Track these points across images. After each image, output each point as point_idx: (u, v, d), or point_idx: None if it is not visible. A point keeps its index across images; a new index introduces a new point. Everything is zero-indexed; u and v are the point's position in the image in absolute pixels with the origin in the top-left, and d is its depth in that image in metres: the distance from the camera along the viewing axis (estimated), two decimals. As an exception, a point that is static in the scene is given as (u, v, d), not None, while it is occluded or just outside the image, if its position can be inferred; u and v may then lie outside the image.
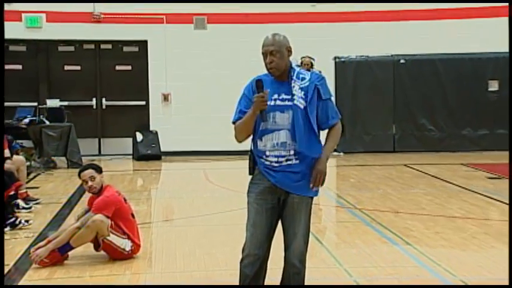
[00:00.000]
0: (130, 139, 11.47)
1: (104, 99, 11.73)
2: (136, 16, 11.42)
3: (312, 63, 11.10)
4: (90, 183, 4.67)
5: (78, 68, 11.69)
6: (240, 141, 3.26)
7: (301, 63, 10.79)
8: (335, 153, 11.62)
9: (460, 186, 7.71)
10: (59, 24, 11.20)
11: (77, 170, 4.88)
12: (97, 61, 11.76)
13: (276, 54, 3.15)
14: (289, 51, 3.20)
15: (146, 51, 11.66)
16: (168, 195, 7.78)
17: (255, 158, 3.22)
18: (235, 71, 11.59)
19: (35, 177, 8.97)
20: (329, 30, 11.70)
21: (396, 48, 11.67)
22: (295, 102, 3.14)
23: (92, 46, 11.66)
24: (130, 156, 11.41)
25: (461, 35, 11.58)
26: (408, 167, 9.80)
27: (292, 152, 3.14)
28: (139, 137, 11.42)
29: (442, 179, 8.36)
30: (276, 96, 3.16)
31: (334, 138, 3.23)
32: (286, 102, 3.14)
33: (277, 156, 3.14)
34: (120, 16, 11.41)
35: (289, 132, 3.13)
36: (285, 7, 11.57)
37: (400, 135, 11.77)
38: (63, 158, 10.12)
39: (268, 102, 3.14)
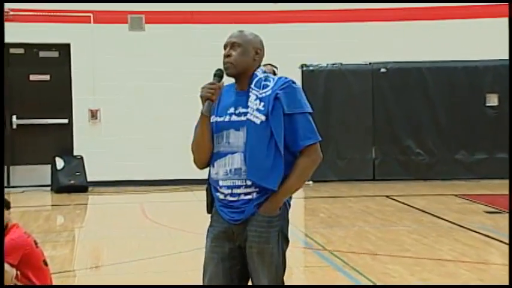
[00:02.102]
0: (48, 166, 11.36)
1: (14, 117, 11.60)
2: (56, 14, 11.41)
3: (274, 72, 11.27)
4: (-9, 220, 4.59)
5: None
6: (200, 166, 3.15)
7: (262, 72, 10.97)
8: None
9: (452, 223, 7.84)
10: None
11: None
12: (5, 69, 11.64)
13: (236, 48, 3.10)
14: (257, 53, 3.14)
15: (69, 57, 11.63)
16: (94, 236, 7.71)
17: (211, 193, 3.12)
18: (181, 81, 11.67)
19: None
20: (295, 32, 11.93)
21: (375, 54, 11.96)
22: (248, 116, 3.02)
23: (-1, 50, 11.58)
24: (48, 188, 11.30)
25: (453, 39, 11.93)
26: (390, 198, 9.97)
27: (249, 182, 3.01)
28: (59, 163, 11.31)
29: (431, 214, 8.51)
30: (232, 110, 3.08)
31: (301, 169, 3.03)
32: (242, 117, 3.04)
33: (231, 187, 3.02)
34: (36, 13, 11.37)
35: (243, 155, 3.01)
36: (240, 6, 11.76)
37: (380, 160, 12.00)
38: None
39: (223, 118, 3.07)
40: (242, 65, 3.09)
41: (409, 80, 11.97)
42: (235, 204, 3.03)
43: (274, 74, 11.02)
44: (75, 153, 11.59)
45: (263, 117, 3.00)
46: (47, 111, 11.65)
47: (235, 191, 3.02)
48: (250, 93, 3.06)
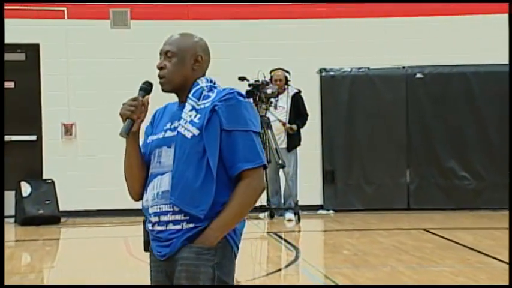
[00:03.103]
0: (12, 193, 11.35)
1: (-29, 133, 11.61)
2: (22, 8, 11.45)
3: (286, 78, 11.35)
4: None
5: None
6: (134, 197, 3.21)
7: (271, 78, 10.99)
8: (322, 211, 11.74)
9: (506, 263, 7.76)
10: None
11: None
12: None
13: (171, 58, 3.19)
14: (197, 60, 3.21)
15: (38, 61, 11.66)
16: (68, 279, 7.68)
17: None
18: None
19: None
20: (311, 29, 11.95)
21: (410, 56, 11.95)
22: (179, 128, 3.09)
23: (-45, 52, 11.62)
24: (12, 219, 11.28)
25: (506, 38, 11.86)
26: (429, 232, 9.91)
27: (172, 208, 3.05)
28: (25, 189, 11.30)
29: (479, 252, 8.45)
30: (168, 125, 3.17)
31: (239, 199, 3.04)
32: (175, 132, 3.12)
33: (158, 214, 3.07)
34: (-2, 8, 11.41)
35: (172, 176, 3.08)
36: (245, -2, 11.87)
37: (417, 185, 11.96)
38: None
39: (157, 136, 3.16)
40: (178, 78, 3.18)
41: (451, 88, 11.95)
42: (162, 235, 3.07)
43: (287, 80, 11.16)
44: (44, 177, 11.58)
45: (196, 131, 3.05)
46: (10, 126, 11.63)
47: (163, 218, 3.07)
48: (186, 103, 3.13)
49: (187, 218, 3.03)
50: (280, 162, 10.55)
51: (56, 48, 11.62)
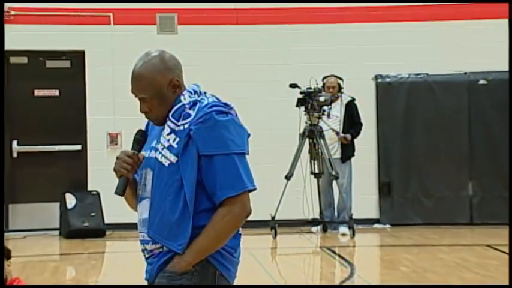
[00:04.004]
0: (57, 205, 11.43)
1: (15, 143, 11.74)
2: (66, 13, 11.56)
3: (340, 85, 11.24)
4: (-15, 273, 4.61)
5: (-25, 93, 11.76)
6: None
7: (324, 85, 10.89)
8: (378, 225, 11.60)
9: None
10: None
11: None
12: (4, 83, 11.80)
13: (151, 100, 3.06)
14: (172, 82, 3.08)
15: (83, 68, 11.75)
16: (112, 295, 7.71)
17: None
18: (223, 95, 11.64)
19: None
20: (367, 34, 11.84)
21: (472, 61, 11.77)
22: (156, 154, 3.03)
23: (-3, 59, 11.78)
24: (56, 232, 11.36)
25: None
26: (494, 248, 9.74)
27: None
28: (70, 201, 11.36)
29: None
30: (154, 143, 3.11)
31: (216, 225, 2.97)
32: (154, 153, 3.09)
33: (142, 242, 3.09)
34: (42, 14, 11.54)
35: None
36: (298, 2, 11.79)
37: (480, 198, 11.78)
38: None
39: (145, 153, 3.12)
40: (167, 110, 3.07)
41: (517, 95, 11.73)
42: (148, 260, 3.11)
43: (340, 87, 11.04)
44: (89, 188, 11.65)
45: (173, 158, 2.98)
46: (55, 136, 11.75)
47: (145, 246, 3.09)
48: (166, 125, 3.04)
49: (158, 244, 3.05)
50: (333, 173, 10.44)
51: (101, 55, 11.69)
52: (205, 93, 3.17)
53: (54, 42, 11.58)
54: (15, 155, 11.73)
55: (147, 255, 3.10)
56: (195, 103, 3.06)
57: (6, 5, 11.37)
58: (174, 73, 3.10)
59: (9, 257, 4.75)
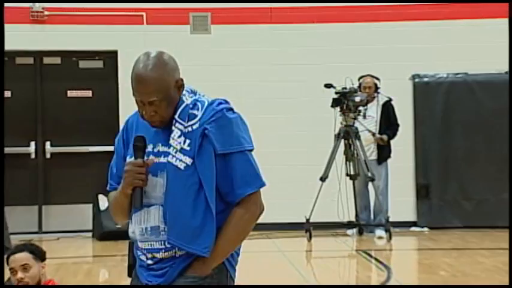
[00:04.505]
0: (90, 206, 11.49)
1: (48, 144, 11.84)
2: (99, 13, 11.64)
3: (376, 86, 11.17)
4: (20, 274, 4.66)
5: (8, 94, 11.85)
6: (119, 223, 3.22)
7: (360, 85, 10.84)
8: (415, 228, 11.51)
9: None
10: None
11: (4, 256, 4.89)
12: (38, 83, 11.92)
13: (159, 103, 2.97)
14: (178, 82, 3.03)
15: (116, 68, 11.81)
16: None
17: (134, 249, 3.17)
18: (256, 97, 11.64)
19: None
20: (403, 32, 11.77)
21: (513, 60, 11.64)
22: (169, 158, 2.97)
23: (30, 60, 11.87)
24: (89, 234, 11.43)
25: None
26: (536, 252, 9.62)
27: (165, 245, 3.00)
28: (103, 203, 11.41)
29: None
30: (151, 147, 3.03)
31: (237, 227, 3.00)
32: (162, 159, 3.01)
33: (150, 251, 3.02)
34: (75, 14, 11.63)
35: (162, 209, 2.99)
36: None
37: (521, 201, 11.63)
38: (-19, 238, 10.14)
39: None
40: (171, 112, 3.02)
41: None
42: (155, 266, 3.04)
43: (376, 87, 10.98)
44: (122, 190, 11.69)
45: (188, 160, 2.95)
46: (88, 137, 11.82)
47: (154, 255, 3.03)
48: (174, 127, 3.00)
49: (182, 251, 2.99)
50: (369, 175, 10.38)
51: (134, 55, 11.51)
52: (197, 92, 3.16)
53: (87, 43, 11.65)
54: (48, 156, 11.82)
55: (150, 262, 3.04)
56: (195, 103, 3.04)
57: (40, 5, 11.48)
58: (178, 73, 3.07)
59: (44, 259, 4.77)
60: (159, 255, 3.02)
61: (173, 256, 3.01)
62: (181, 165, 2.96)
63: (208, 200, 2.94)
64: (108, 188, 3.19)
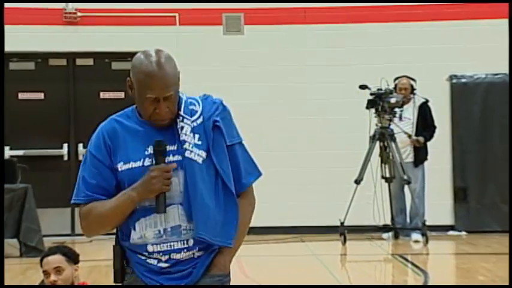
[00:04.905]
0: (122, 209, 11.54)
1: (81, 146, 11.91)
2: (132, 14, 11.69)
3: (412, 87, 11.09)
4: (53, 277, 4.70)
5: (41, 96, 11.96)
6: (88, 234, 3.12)
7: (395, 86, 10.76)
8: (453, 232, 11.41)
9: None
10: (11, 27, 11.50)
11: (37, 259, 4.93)
12: (71, 85, 12.00)
13: (173, 98, 3.00)
14: (179, 78, 3.11)
15: (148, 69, 11.84)
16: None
17: (123, 255, 3.10)
18: (291, 99, 11.63)
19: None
20: (440, 32, 11.68)
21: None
22: (187, 154, 3.00)
23: (63, 61, 11.97)
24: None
25: None
26: None
27: (191, 243, 3.00)
28: (135, 205, 11.48)
29: None
30: (151, 149, 3.01)
31: (247, 219, 3.11)
32: (171, 157, 3.00)
33: (169, 253, 3.01)
34: (108, 15, 11.70)
35: (181, 208, 2.99)
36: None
37: None
38: (14, 241, 10.22)
39: (139, 163, 2.99)
40: (177, 106, 3.08)
41: None
42: (173, 269, 3.03)
43: (413, 89, 10.89)
44: (155, 192, 11.73)
45: (204, 154, 3.01)
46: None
47: (174, 256, 3.02)
48: (182, 124, 3.03)
49: (203, 249, 3.03)
50: (405, 177, 10.30)
51: (167, 56, 11.75)
52: None
53: (119, 44, 11.71)
54: (80, 158, 11.88)
55: (164, 265, 3.03)
56: (189, 99, 3.12)
57: (73, 6, 11.56)
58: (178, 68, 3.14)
59: (77, 261, 4.80)
60: (178, 256, 3.02)
61: (192, 257, 3.03)
62: (200, 160, 3.00)
63: (227, 191, 3.03)
64: (82, 200, 3.07)
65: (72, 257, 4.76)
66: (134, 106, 3.13)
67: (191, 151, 3.00)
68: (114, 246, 3.13)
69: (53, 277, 4.68)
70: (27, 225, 10.07)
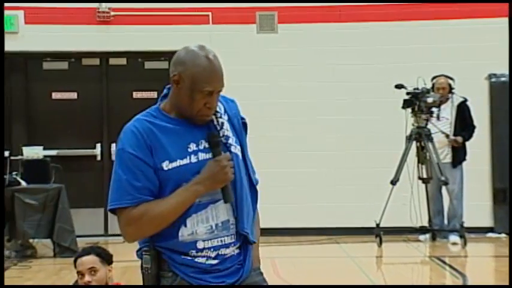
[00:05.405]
0: (154, 209, 11.58)
1: (114, 146, 11.96)
2: (165, 13, 11.73)
3: (450, 86, 10.99)
4: (87, 278, 4.72)
5: (74, 95, 12.04)
6: (133, 240, 3.08)
7: (433, 86, 10.67)
8: (492, 234, 11.31)
9: None
10: (44, 27, 11.64)
11: (71, 259, 4.98)
12: (104, 85, 12.08)
13: (219, 93, 3.13)
14: None
15: (181, 69, 11.87)
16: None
17: (160, 259, 3.07)
18: (323, 96, 11.59)
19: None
20: (479, 30, 11.58)
21: None
22: (232, 149, 3.09)
23: (96, 61, 12.05)
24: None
25: None
26: None
27: (234, 238, 3.07)
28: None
29: None
30: (193, 146, 3.04)
31: (257, 216, 3.24)
32: (210, 154, 3.07)
33: (218, 248, 3.03)
34: (141, 14, 11.75)
35: (230, 203, 3.07)
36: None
37: None
38: (48, 241, 10.31)
39: (186, 160, 3.01)
40: None
41: None
42: (221, 266, 3.06)
43: (450, 88, 10.79)
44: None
45: (239, 150, 3.12)
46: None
47: (223, 251, 3.04)
48: (222, 120, 3.11)
49: (239, 243, 3.10)
50: (442, 178, 10.22)
51: (199, 56, 11.76)
52: None
53: (152, 43, 11.75)
54: (114, 158, 11.91)
55: (214, 262, 3.04)
56: None
57: (107, 5, 11.63)
58: None
59: (111, 262, 4.82)
60: (227, 251, 3.05)
61: (232, 254, 3.08)
62: (240, 155, 3.11)
63: (252, 188, 3.15)
64: (129, 203, 2.99)
65: (106, 258, 4.79)
66: (157, 105, 3.14)
67: (235, 146, 3.09)
68: (145, 250, 3.09)
69: (87, 278, 4.71)
70: (61, 225, 10.16)
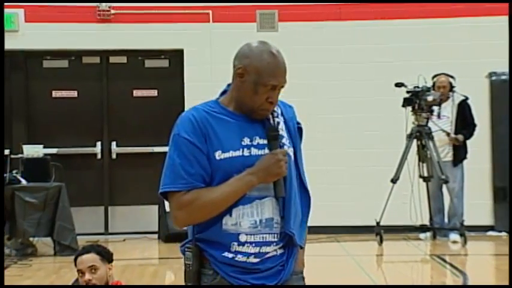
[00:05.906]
0: (155, 207, 11.61)
1: (114, 144, 12.01)
2: (165, 12, 11.76)
3: (451, 84, 11.01)
4: (88, 276, 4.74)
5: (74, 94, 12.07)
6: (183, 225, 3.10)
7: (434, 84, 10.70)
8: (492, 233, 11.33)
9: None
10: (45, 25, 11.67)
11: (71, 258, 4.99)
12: (104, 83, 12.11)
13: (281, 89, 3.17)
14: None
15: (181, 67, 11.91)
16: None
17: (201, 256, 3.09)
18: (324, 95, 11.61)
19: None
20: (480, 28, 11.61)
21: None
22: (285, 148, 3.13)
23: (97, 59, 12.08)
24: (155, 236, 11.55)
25: None
26: None
27: (277, 238, 3.06)
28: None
29: None
30: (247, 140, 3.07)
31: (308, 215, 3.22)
32: (261, 151, 3.07)
33: (260, 245, 3.02)
34: (141, 12, 11.78)
35: (275, 201, 3.05)
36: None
37: None
38: (48, 239, 10.34)
39: (239, 152, 3.03)
40: None
41: None
42: (261, 266, 3.04)
43: (451, 86, 10.82)
44: (188, 191, 11.76)
45: (292, 151, 3.15)
46: (154, 136, 11.87)
47: (264, 249, 3.04)
48: (278, 119, 3.15)
49: (282, 245, 3.09)
50: (443, 177, 10.26)
51: (199, 54, 11.81)
52: None
53: (152, 41, 11.78)
54: (114, 156, 11.98)
55: (255, 260, 3.04)
56: None
57: (107, 4, 11.66)
58: None
59: (111, 260, 4.82)
60: (268, 249, 3.04)
61: (275, 254, 3.08)
62: (292, 156, 3.14)
63: (304, 193, 3.17)
64: (182, 187, 3.02)
65: (106, 256, 4.80)
66: (216, 99, 3.18)
67: (288, 147, 3.13)
68: (188, 247, 3.12)
69: (87, 276, 4.72)
70: (61, 223, 10.19)
